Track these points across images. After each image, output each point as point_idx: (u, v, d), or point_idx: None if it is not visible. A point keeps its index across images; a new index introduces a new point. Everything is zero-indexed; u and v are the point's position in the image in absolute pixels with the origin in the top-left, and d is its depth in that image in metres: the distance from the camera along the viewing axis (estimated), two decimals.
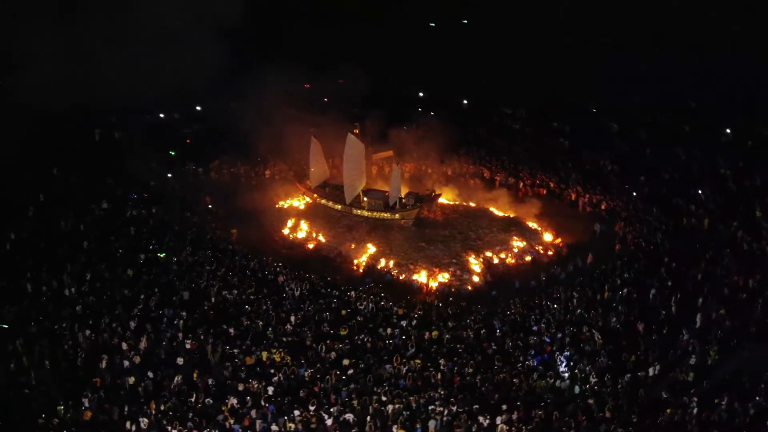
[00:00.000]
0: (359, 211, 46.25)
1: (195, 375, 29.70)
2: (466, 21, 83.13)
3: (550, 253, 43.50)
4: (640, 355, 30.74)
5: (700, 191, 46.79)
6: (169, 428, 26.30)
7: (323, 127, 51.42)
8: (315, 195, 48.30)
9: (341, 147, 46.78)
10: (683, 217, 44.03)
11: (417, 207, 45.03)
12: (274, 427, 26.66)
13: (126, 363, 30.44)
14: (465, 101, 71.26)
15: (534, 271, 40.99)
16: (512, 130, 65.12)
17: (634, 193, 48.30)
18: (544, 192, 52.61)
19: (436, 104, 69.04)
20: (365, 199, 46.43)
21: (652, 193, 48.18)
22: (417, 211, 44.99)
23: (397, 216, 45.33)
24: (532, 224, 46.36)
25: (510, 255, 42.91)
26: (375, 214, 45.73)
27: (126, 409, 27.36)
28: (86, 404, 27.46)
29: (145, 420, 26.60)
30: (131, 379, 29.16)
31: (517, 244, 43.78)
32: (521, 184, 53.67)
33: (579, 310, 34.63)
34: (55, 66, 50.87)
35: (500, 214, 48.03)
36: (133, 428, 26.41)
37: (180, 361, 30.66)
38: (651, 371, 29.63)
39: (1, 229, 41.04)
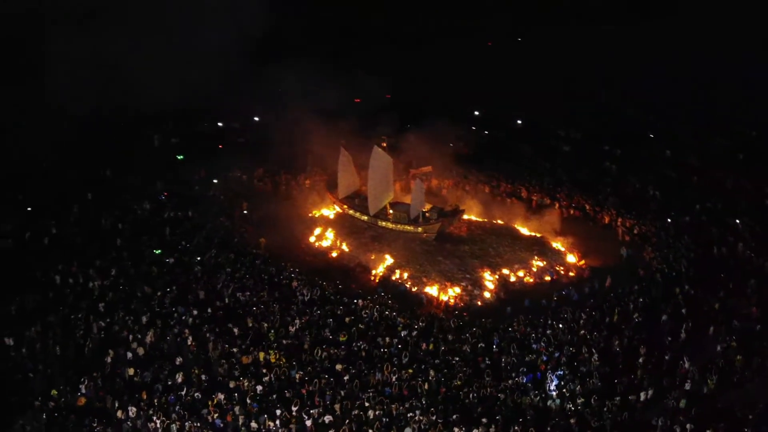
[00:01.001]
0: (384, 223, 46.87)
1: (195, 371, 30.74)
2: (519, 39, 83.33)
3: (571, 274, 42.95)
4: (634, 379, 30.11)
5: (738, 221, 45.15)
6: (155, 418, 27.42)
7: (364, 139, 52.91)
8: (345, 206, 49.19)
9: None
10: (714, 245, 42.58)
11: (439, 221, 45.23)
12: (253, 425, 27.44)
13: (129, 355, 31.83)
14: (519, 121, 70.77)
15: (550, 291, 40.44)
16: (561, 152, 64.23)
17: (668, 219, 46.89)
18: (579, 214, 51.80)
19: (491, 123, 69.74)
20: (391, 211, 46.98)
21: (690, 221, 46.62)
22: (439, 226, 45.23)
23: (419, 229, 45.75)
24: (557, 245, 45.79)
25: (528, 274, 42.60)
26: (399, 226, 46.25)
27: (119, 397, 28.74)
28: (83, 390, 28.92)
29: (134, 409, 27.84)
30: (130, 370, 30.47)
31: (537, 263, 43.42)
32: (557, 205, 53.01)
33: (583, 331, 34.06)
34: (117, 73, 54.43)
35: (526, 233, 47.65)
36: (123, 416, 27.64)
37: (179, 359, 31.79)
38: (643, 396, 29.00)
39: (45, 223, 43.77)
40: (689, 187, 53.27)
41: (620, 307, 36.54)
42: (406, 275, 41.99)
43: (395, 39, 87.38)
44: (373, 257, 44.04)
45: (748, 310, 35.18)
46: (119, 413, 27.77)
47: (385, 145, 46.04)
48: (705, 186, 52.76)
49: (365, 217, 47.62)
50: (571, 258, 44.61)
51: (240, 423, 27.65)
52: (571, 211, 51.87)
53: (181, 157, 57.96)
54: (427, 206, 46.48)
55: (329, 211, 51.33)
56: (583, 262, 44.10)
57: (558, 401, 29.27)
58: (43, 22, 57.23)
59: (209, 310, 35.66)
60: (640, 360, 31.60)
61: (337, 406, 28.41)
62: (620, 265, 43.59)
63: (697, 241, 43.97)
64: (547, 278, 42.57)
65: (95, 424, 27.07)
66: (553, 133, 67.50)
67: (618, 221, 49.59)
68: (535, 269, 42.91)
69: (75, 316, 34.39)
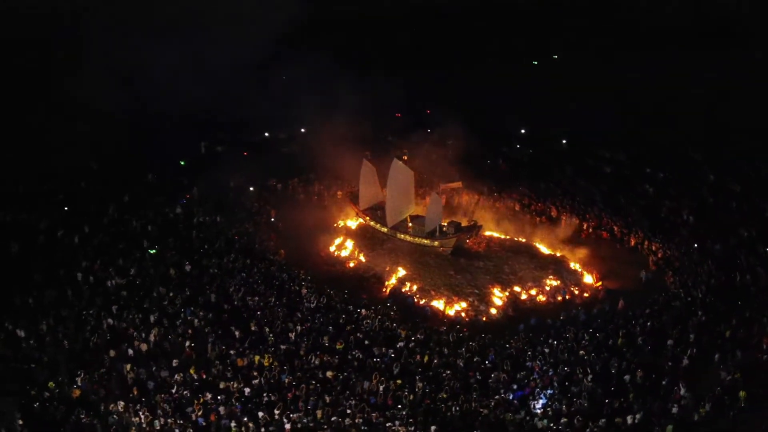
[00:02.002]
0: (403, 236, 47.21)
1: (192, 370, 31.70)
2: (555, 56, 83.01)
3: (586, 295, 42.30)
4: (623, 402, 29.55)
5: None
6: (140, 413, 28.44)
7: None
8: (367, 217, 49.80)
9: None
10: (737, 273, 41.24)
11: (456, 236, 45.29)
12: (233, 425, 28.12)
13: (131, 351, 33.07)
14: (564, 141, 70.17)
15: (560, 311, 39.97)
16: (602, 172, 63.21)
17: (695, 245, 45.66)
18: (606, 235, 50.97)
19: (535, 141, 69.49)
20: (410, 224, 47.33)
21: (722, 248, 45.23)
22: (455, 240, 45.25)
23: (436, 243, 45.88)
24: (575, 265, 45.15)
25: (541, 292, 42.17)
26: (417, 239, 46.53)
27: (111, 392, 29.93)
28: (78, 383, 30.18)
29: (122, 403, 28.92)
30: (127, 366, 31.59)
31: (551, 282, 42.91)
32: (585, 225, 52.28)
33: (582, 352, 33.57)
34: (170, 81, 56.89)
35: (546, 251, 47.17)
36: (112, 409, 28.70)
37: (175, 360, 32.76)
38: (630, 419, 28.41)
39: (79, 223, 45.81)
40: (726, 214, 51.43)
41: (626, 330, 35.66)
42: (415, 288, 42.25)
43: (445, 57, 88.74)
44: (387, 269, 44.47)
45: (759, 340, 33.83)
46: (110, 406, 28.71)
47: (405, 158, 46.37)
48: (743, 213, 50.84)
49: (385, 229, 48.09)
50: (588, 279, 43.78)
51: (221, 423, 28.19)
52: (602, 233, 51.23)
53: (183, 162, 59.44)
54: (445, 221, 46.44)
55: (353, 222, 51.93)
56: (600, 283, 43.33)
57: (544, 420, 28.85)
58: (92, 27, 60.37)
59: (213, 313, 36.64)
60: (635, 383, 30.70)
61: (319, 412, 28.71)
62: (638, 289, 42.51)
63: (722, 267, 42.48)
64: (560, 298, 41.94)
65: (82, 416, 28.03)
66: (597, 154, 66.15)
67: (645, 244, 48.45)
68: (548, 288, 42.38)
69: (87, 312, 35.74)
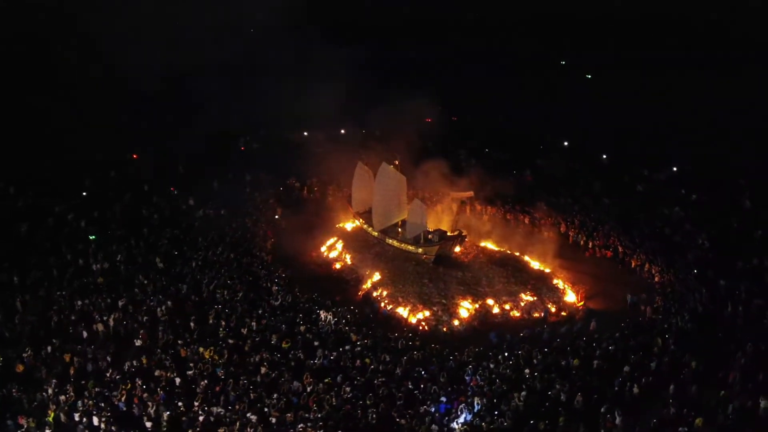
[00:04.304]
0: (391, 241, 47.07)
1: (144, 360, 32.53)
2: (589, 75, 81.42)
3: (563, 313, 40.92)
4: (548, 425, 28.50)
5: None
6: (67, 391, 29.59)
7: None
8: (361, 220, 49.86)
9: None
10: (730, 303, 38.89)
11: (438, 244, 44.71)
12: (150, 411, 28.85)
13: (85, 333, 34.41)
14: (605, 156, 68.23)
15: (527, 327, 38.85)
16: (634, 191, 60.76)
17: (695, 270, 43.39)
18: (610, 255, 49.13)
19: (578, 155, 67.97)
20: (399, 229, 47.09)
21: (724, 276, 42.65)
22: (438, 248, 44.65)
23: (419, 250, 45.43)
24: (559, 282, 43.71)
25: (515, 308, 41.02)
26: (403, 245, 46.25)
27: (50, 369, 31.38)
28: (24, 359, 31.64)
29: (54, 381, 30.18)
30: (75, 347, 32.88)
31: (527, 298, 41.66)
32: (591, 243, 50.58)
33: (527, 370, 32.53)
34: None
35: (536, 266, 45.86)
36: (47, 389, 29.94)
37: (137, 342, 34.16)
38: None
39: (90, 208, 48.03)
40: (747, 242, 48.32)
41: (584, 352, 34.30)
42: (385, 293, 41.90)
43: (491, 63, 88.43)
44: (368, 272, 44.26)
45: (724, 375, 31.83)
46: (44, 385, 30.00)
47: (397, 162, 46.15)
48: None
49: (376, 233, 47.95)
50: (571, 297, 42.33)
51: (141, 409, 28.95)
52: (606, 252, 49.76)
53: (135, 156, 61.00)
54: (432, 228, 46.06)
55: (351, 224, 52.05)
56: (582, 303, 41.75)
57: None
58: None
59: (177, 303, 37.75)
60: (571, 406, 29.58)
61: (237, 407, 28.99)
62: (622, 312, 40.80)
63: (716, 296, 40.16)
64: (536, 315, 40.65)
65: (14, 390, 29.39)
66: (634, 172, 63.74)
67: (646, 266, 46.42)
68: (523, 304, 41.16)
69: (60, 293, 37.40)
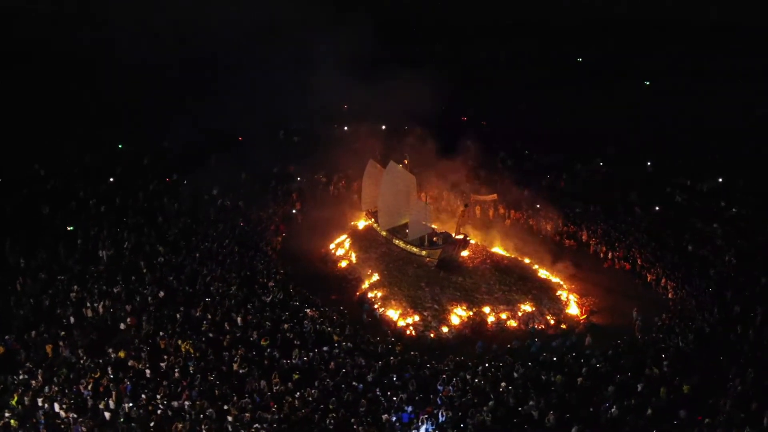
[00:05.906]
0: (398, 241, 46.35)
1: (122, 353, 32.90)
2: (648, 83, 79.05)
3: (563, 326, 39.44)
4: None
5: None
6: (38, 375, 30.23)
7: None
8: (372, 219, 49.33)
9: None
10: (740, 325, 36.68)
11: (440, 248, 43.74)
12: (110, 402, 29.21)
13: (72, 319, 35.13)
14: (649, 163, 65.83)
15: (520, 338, 37.65)
16: (671, 201, 58.19)
17: (710, 289, 41.15)
18: (629, 267, 47.18)
19: (621, 162, 65.90)
20: (407, 231, 46.33)
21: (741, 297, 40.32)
22: (440, 252, 43.66)
23: (423, 252, 44.57)
24: (562, 294, 42.12)
25: (512, 317, 39.76)
26: (408, 247, 45.46)
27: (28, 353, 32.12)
28: (6, 341, 32.53)
29: (29, 365, 30.90)
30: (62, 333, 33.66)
31: (526, 308, 40.29)
32: (610, 254, 48.72)
33: (503, 384, 31.45)
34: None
35: (543, 276, 44.37)
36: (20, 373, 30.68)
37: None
38: None
39: (113, 195, 49.11)
40: None
41: (568, 368, 32.96)
42: (379, 295, 41.23)
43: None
44: (368, 272, 43.75)
45: (716, 401, 30.02)
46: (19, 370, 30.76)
47: (406, 162, 45.39)
48: None
49: (384, 233, 47.32)
50: (574, 310, 40.76)
51: (105, 399, 29.32)
52: (625, 264, 47.99)
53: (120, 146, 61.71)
54: (438, 230, 45.23)
55: (363, 222, 51.55)
56: (585, 316, 40.15)
57: None
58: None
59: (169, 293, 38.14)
60: (542, 424, 28.47)
61: (198, 403, 29.01)
62: (626, 327, 39.06)
63: (727, 317, 37.97)
64: (537, 326, 39.34)
65: None
66: (677, 182, 61.12)
67: (663, 281, 44.34)
68: (521, 314, 39.83)
69: (61, 276, 38.31)
